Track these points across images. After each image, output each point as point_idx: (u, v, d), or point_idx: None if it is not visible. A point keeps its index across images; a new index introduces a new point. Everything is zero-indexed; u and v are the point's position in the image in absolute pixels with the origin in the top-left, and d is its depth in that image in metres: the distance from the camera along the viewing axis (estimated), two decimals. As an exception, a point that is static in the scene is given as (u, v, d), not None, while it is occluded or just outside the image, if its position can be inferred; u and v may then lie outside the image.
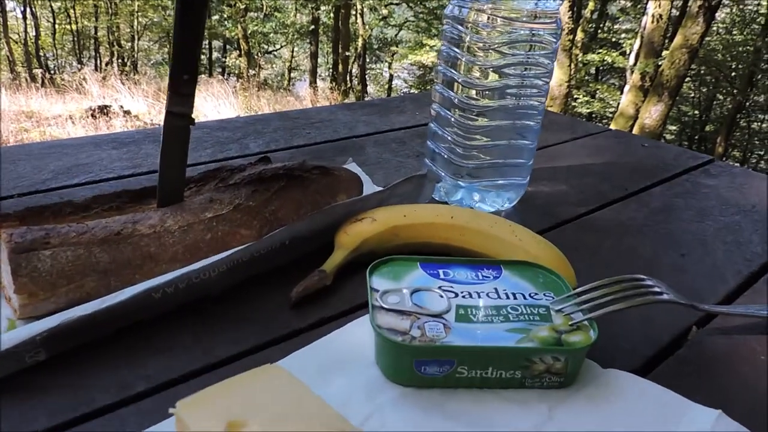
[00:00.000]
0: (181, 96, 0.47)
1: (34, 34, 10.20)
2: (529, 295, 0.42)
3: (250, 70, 9.65)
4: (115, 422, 0.34)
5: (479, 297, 0.41)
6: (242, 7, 9.39)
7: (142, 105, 6.27)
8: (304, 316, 0.44)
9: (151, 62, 11.40)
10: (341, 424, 0.30)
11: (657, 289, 0.43)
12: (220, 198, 0.48)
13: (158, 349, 0.40)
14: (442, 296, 0.41)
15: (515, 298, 0.42)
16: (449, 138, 0.61)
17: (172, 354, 0.39)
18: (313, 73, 10.54)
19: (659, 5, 5.26)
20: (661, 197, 0.74)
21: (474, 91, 0.58)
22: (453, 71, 0.60)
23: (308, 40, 10.70)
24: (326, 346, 0.40)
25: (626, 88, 5.79)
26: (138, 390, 0.36)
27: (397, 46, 11.10)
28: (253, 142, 0.80)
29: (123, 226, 0.44)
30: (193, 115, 0.48)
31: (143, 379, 0.37)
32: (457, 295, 0.41)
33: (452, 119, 0.61)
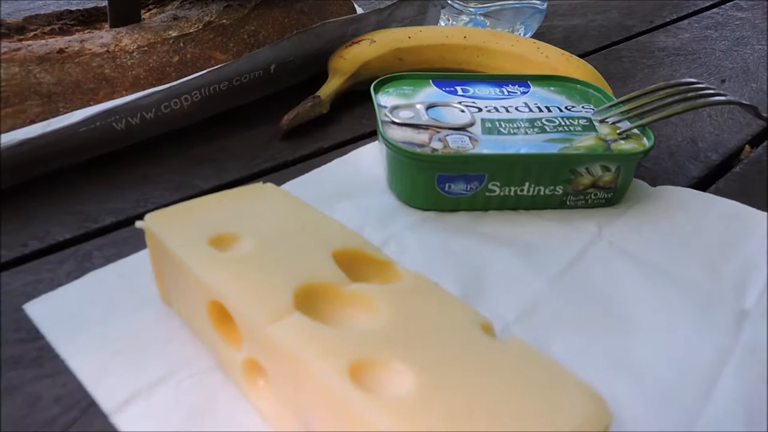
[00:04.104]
0: None
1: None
2: (566, 107, 0.35)
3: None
4: (76, 257, 0.28)
5: (507, 111, 0.35)
6: None
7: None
8: (298, 146, 0.38)
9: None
10: (357, 240, 0.24)
11: (712, 91, 0.36)
12: (186, 15, 0.40)
13: (127, 182, 0.33)
14: (463, 111, 0.34)
15: (550, 111, 0.35)
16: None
17: (143, 188, 0.33)
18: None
19: None
20: (690, 29, 0.65)
21: None
22: None
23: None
24: (326, 174, 0.34)
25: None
26: (104, 223, 0.30)
27: None
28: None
29: (68, 44, 0.35)
30: None
31: (110, 213, 0.31)
32: (480, 109, 0.34)
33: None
